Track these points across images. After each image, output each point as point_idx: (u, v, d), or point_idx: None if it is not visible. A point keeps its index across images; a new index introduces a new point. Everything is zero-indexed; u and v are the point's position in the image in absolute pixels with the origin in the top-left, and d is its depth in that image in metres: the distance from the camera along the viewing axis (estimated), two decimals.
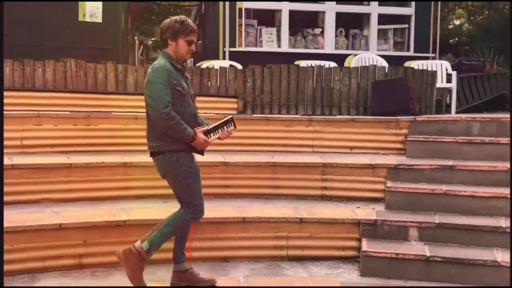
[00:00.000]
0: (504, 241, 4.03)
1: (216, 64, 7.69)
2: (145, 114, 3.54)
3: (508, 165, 4.63)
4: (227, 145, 5.53)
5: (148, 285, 3.53)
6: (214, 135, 3.64)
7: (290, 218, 4.43)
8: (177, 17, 3.58)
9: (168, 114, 3.36)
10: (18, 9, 7.46)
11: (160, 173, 3.62)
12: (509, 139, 4.92)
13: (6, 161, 4.47)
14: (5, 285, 3.57)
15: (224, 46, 8.93)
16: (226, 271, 4.09)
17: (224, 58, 8.76)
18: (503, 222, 4.13)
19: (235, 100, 6.45)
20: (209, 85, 6.56)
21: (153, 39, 33.01)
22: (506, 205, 4.31)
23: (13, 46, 6.50)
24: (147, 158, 3.70)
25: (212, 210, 4.45)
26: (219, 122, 3.68)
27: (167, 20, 3.60)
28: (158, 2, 19.24)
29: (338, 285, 3.83)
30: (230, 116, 3.71)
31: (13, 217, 3.99)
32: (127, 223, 4.15)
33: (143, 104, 3.49)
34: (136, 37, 15.36)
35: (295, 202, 4.85)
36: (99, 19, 8.02)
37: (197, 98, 6.15)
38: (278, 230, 4.40)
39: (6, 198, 3.99)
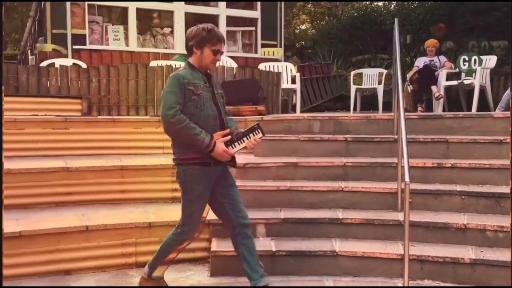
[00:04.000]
0: (341, 231, 4.33)
1: (58, 62, 7.19)
2: None
3: (344, 160, 5.00)
4: (70, 149, 5.23)
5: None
6: (239, 144, 3.34)
7: (138, 223, 4.28)
8: (204, 25, 3.37)
9: (173, 116, 3.15)
10: None
11: None
12: (345, 136, 5.32)
13: None
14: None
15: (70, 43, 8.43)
16: (67, 285, 3.80)
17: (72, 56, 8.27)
18: (340, 214, 4.44)
19: (79, 101, 6.11)
20: (48, 85, 6.10)
21: None
22: (343, 197, 4.64)
23: None
24: None
25: (51, 220, 4.15)
26: (244, 130, 3.37)
27: (194, 28, 3.38)
28: None
29: (188, 286, 3.79)
30: (257, 123, 3.41)
31: None
32: None
33: None
34: None
35: (144, 206, 4.70)
36: None
37: (35, 100, 5.86)
38: (126, 237, 4.23)
39: None
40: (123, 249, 4.23)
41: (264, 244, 4.21)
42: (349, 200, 4.64)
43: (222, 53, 3.46)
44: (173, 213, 4.53)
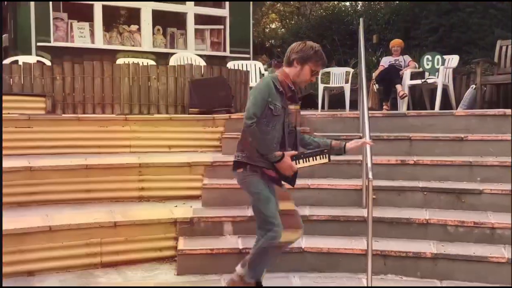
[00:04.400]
0: (308, 228, 4.27)
1: (21, 60, 7.04)
2: None
3: None
4: (33, 148, 5.13)
5: None
6: (304, 162, 3.31)
7: (104, 222, 4.23)
8: (313, 44, 3.34)
9: (249, 126, 3.17)
10: None
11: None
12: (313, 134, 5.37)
13: None
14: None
15: (36, 41, 8.25)
16: (31, 286, 3.74)
17: (37, 54, 8.09)
18: (307, 211, 4.48)
19: (43, 99, 5.97)
20: (11, 82, 5.96)
21: None
22: (310, 194, 4.69)
23: None
24: None
25: (13, 220, 4.06)
26: (312, 151, 3.36)
27: (301, 43, 3.35)
28: None
29: (152, 286, 3.78)
30: (327, 149, 3.40)
31: None
32: None
33: None
34: None
35: (110, 206, 4.64)
36: None
37: None
38: (91, 237, 4.17)
39: None
40: (88, 249, 4.17)
41: (231, 241, 4.23)
42: (316, 197, 4.70)
43: (318, 74, 3.46)
44: (140, 212, 4.52)
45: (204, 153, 5.49)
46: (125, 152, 5.41)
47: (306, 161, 3.35)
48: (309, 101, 10.89)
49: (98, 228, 4.19)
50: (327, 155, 3.40)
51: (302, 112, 7.19)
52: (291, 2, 18.33)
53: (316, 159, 3.37)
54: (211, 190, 4.73)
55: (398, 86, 7.70)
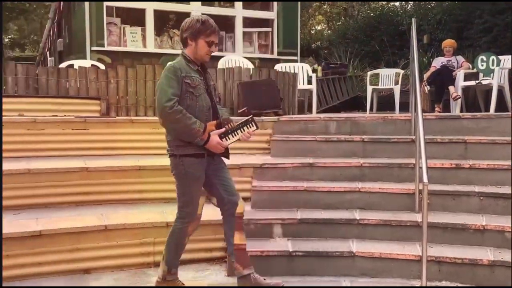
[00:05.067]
0: (358, 232, 4.33)
1: (77, 64, 7.29)
2: None
3: (361, 160, 4.99)
4: (89, 149, 5.31)
5: None
6: (232, 137, 3.43)
7: (156, 222, 4.31)
8: (198, 16, 3.43)
9: (171, 107, 3.21)
10: None
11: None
12: (361, 136, 5.31)
13: None
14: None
15: (90, 45, 8.54)
16: (86, 284, 3.86)
17: (97, 58, 8.37)
18: (357, 215, 4.43)
19: (98, 102, 6.16)
20: (67, 86, 6.18)
21: (9, 36, 30.45)
22: (360, 198, 4.63)
23: None
24: None
25: (71, 219, 4.21)
26: (238, 123, 3.46)
27: (188, 19, 3.45)
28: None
29: (205, 285, 3.82)
30: (251, 116, 3.50)
31: None
32: None
33: None
34: None
35: (162, 206, 4.73)
36: None
37: (54, 100, 5.95)
38: (144, 236, 4.26)
39: None
40: (142, 248, 4.26)
41: (280, 244, 4.22)
42: (366, 200, 4.64)
43: (217, 44, 3.49)
44: None
45: (252, 155, 5.52)
46: None
47: (235, 135, 3.43)
48: (357, 103, 10.79)
49: (151, 228, 4.28)
50: (253, 123, 3.46)
51: (351, 114, 7.13)
52: (338, 3, 18.19)
53: (244, 130, 3.43)
54: (260, 192, 4.75)
55: (451, 88, 7.49)
